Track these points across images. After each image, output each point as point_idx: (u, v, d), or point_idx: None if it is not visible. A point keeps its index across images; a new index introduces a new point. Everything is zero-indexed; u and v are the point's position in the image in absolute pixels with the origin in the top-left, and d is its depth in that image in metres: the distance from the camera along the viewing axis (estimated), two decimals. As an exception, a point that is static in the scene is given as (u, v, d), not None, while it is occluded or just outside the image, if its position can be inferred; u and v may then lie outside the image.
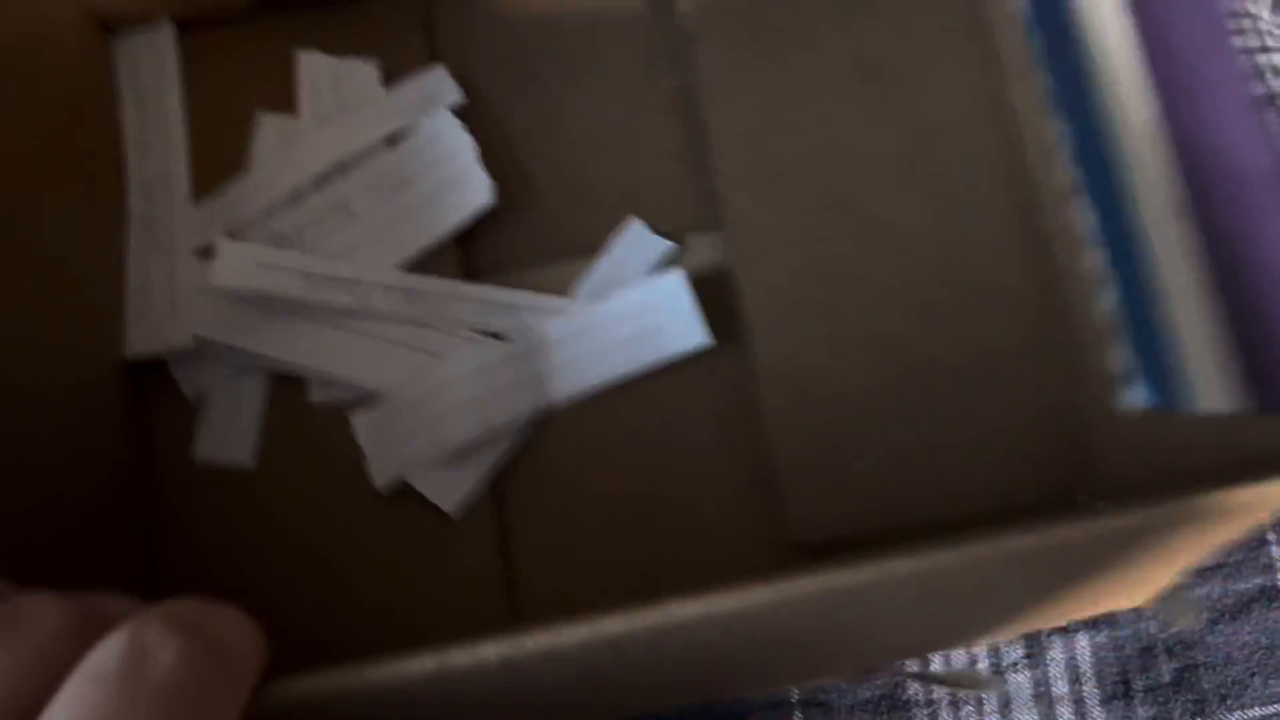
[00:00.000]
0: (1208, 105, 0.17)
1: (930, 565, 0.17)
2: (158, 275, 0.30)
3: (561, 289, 0.31)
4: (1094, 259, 0.14)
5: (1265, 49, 0.37)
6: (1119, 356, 0.13)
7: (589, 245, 0.32)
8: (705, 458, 0.30)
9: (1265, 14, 0.36)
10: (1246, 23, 0.36)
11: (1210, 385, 0.14)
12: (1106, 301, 0.13)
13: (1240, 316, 0.15)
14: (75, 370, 0.28)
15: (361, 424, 0.30)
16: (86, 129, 0.30)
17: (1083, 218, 0.14)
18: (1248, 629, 0.33)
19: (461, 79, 0.32)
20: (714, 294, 0.31)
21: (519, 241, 0.32)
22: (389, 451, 0.29)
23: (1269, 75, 0.36)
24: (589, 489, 0.30)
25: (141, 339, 0.30)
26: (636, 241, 0.32)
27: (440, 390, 0.29)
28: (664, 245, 0.32)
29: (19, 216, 0.27)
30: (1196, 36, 0.19)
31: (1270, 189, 0.16)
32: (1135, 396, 0.13)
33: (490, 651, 0.17)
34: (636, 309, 0.30)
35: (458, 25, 0.33)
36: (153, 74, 0.32)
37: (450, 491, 0.29)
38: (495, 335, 0.30)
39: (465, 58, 0.33)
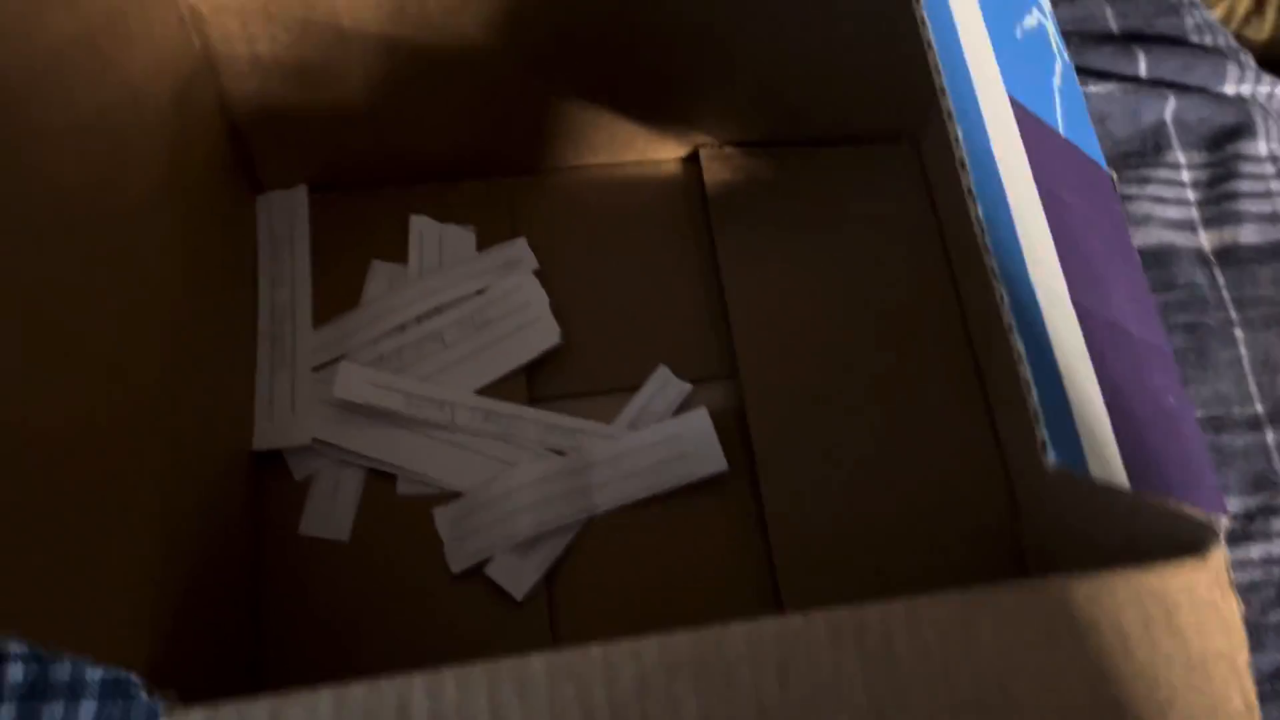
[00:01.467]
0: (1101, 280, 0.26)
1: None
2: (281, 384, 0.37)
3: (602, 417, 0.39)
4: (1025, 375, 0.22)
5: None
6: (1041, 432, 0.21)
7: (626, 384, 0.39)
8: (718, 561, 0.37)
9: None
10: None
11: (1099, 461, 0.22)
12: (1031, 400, 0.21)
13: (1121, 421, 0.23)
14: (211, 455, 0.34)
15: (441, 516, 0.36)
16: (229, 265, 0.38)
17: (1017, 348, 0.22)
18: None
19: (534, 247, 0.40)
20: (725, 430, 0.38)
21: (571, 377, 0.39)
22: (463, 542, 0.36)
23: None
24: (624, 582, 0.36)
25: (268, 436, 0.36)
26: (663, 384, 0.39)
27: (509, 494, 0.36)
28: (685, 388, 0.39)
29: (174, 330, 0.33)
30: (1093, 238, 0.28)
31: (1141, 341, 0.25)
32: (1051, 458, 0.20)
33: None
34: (668, 438, 0.38)
35: (535, 208, 0.41)
36: (287, 224, 0.40)
37: (519, 580, 0.35)
38: (555, 451, 0.37)
39: (539, 231, 0.41)
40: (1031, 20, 0.31)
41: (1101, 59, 0.45)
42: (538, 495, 0.36)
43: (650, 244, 0.42)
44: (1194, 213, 0.43)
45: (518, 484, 0.36)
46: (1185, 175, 0.44)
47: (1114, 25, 0.47)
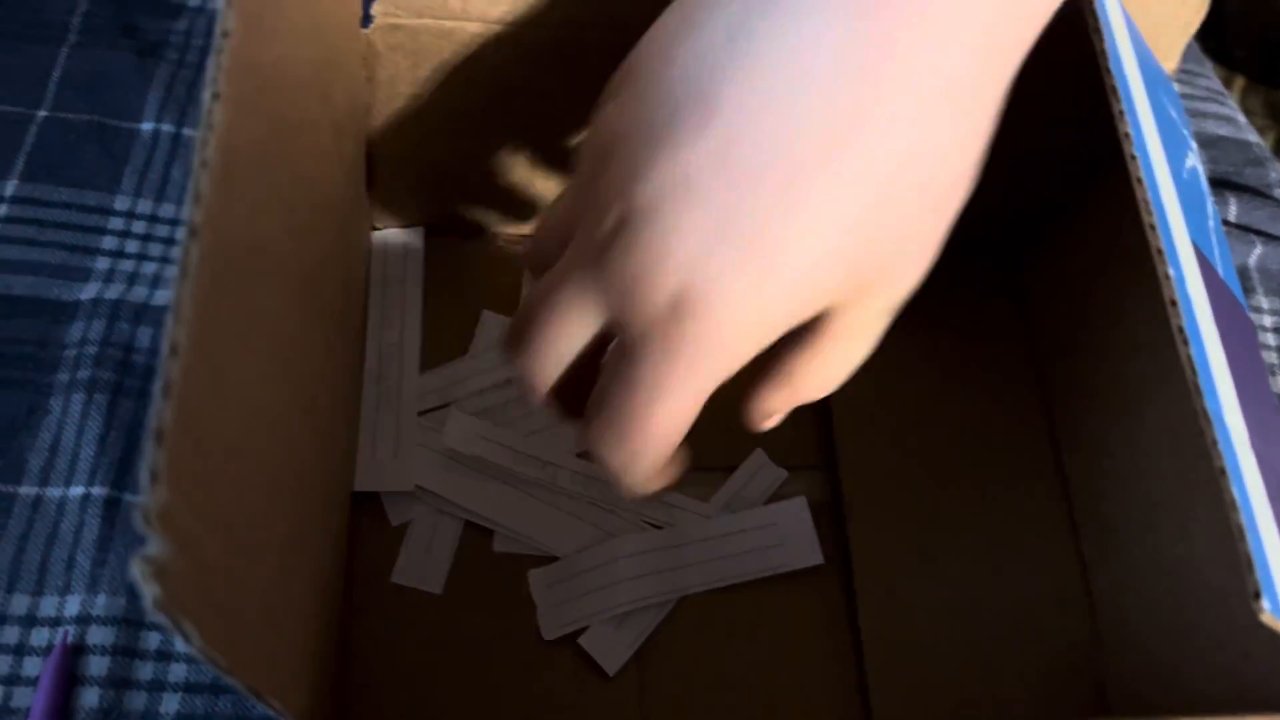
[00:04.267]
0: (1264, 425, 0.27)
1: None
2: (385, 426, 0.36)
3: (697, 496, 0.38)
4: (1238, 522, 0.22)
5: None
6: (1254, 581, 0.21)
7: (721, 464, 0.39)
8: (806, 653, 0.36)
9: None
10: None
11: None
12: (1244, 547, 0.21)
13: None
14: (317, 493, 0.33)
15: (537, 579, 0.35)
16: (343, 303, 0.37)
17: (1231, 494, 0.22)
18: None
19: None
20: (817, 522, 0.38)
21: (669, 451, 0.39)
22: (558, 609, 0.35)
23: None
24: (713, 664, 0.36)
25: (370, 478, 0.35)
26: (758, 468, 0.39)
27: (607, 565, 0.36)
28: (780, 474, 0.39)
29: (289, 364, 0.33)
30: (1255, 383, 0.28)
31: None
32: (1266, 609, 0.21)
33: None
34: (766, 525, 0.38)
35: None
36: (400, 264, 0.39)
37: (612, 654, 0.35)
38: (650, 524, 0.37)
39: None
40: (1190, 161, 0.32)
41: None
42: (635, 569, 0.36)
43: (755, 326, 0.42)
44: (1274, 357, 0.45)
45: (616, 555, 0.36)
46: (1267, 320, 0.45)
47: (1205, 169, 0.49)
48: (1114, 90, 0.27)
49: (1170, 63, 0.35)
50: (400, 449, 0.36)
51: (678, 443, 0.25)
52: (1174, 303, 0.24)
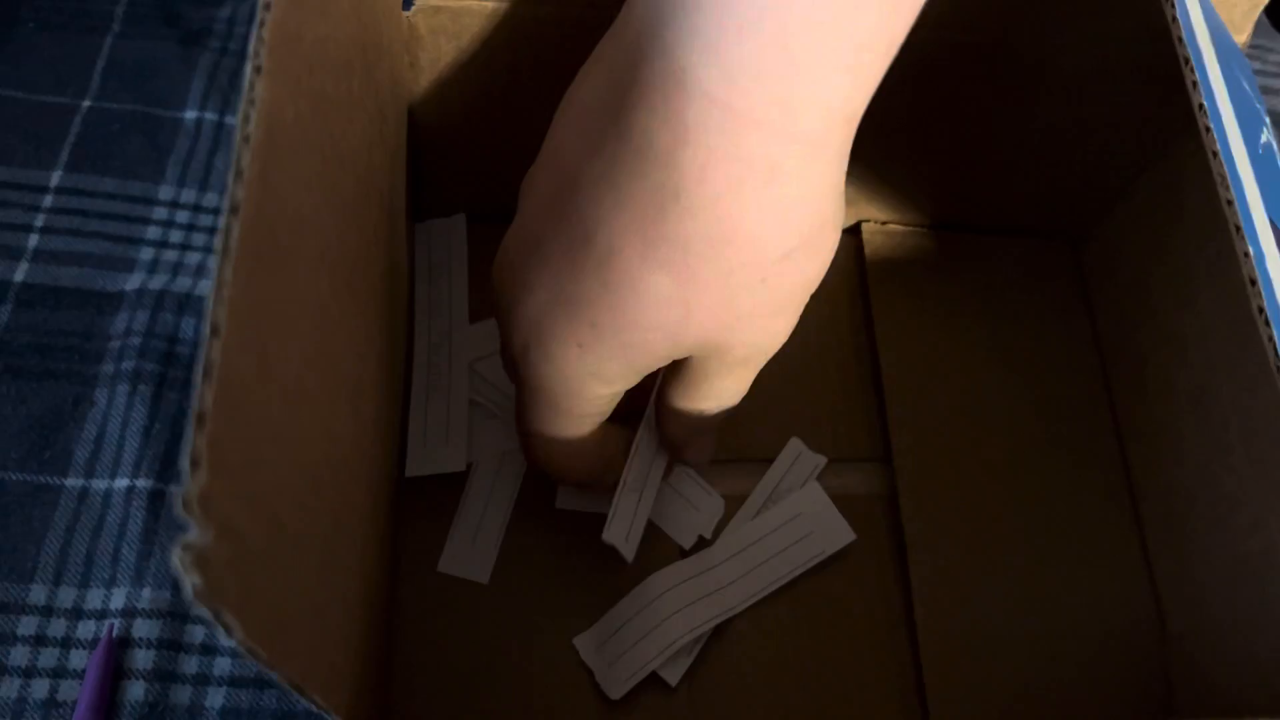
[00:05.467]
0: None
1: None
2: (435, 412, 0.36)
3: (739, 487, 0.37)
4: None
5: None
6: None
7: (766, 454, 0.38)
8: (861, 651, 0.35)
9: None
10: None
11: None
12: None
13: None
14: (362, 483, 0.33)
15: (585, 645, 0.34)
16: (388, 290, 0.37)
17: None
18: None
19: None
20: (872, 516, 0.37)
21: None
22: (614, 668, 0.34)
23: None
24: (766, 664, 0.35)
25: (421, 462, 0.35)
26: (796, 456, 0.38)
27: (650, 607, 0.34)
28: (819, 460, 0.38)
29: (333, 349, 0.32)
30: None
31: None
32: None
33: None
34: (789, 519, 0.36)
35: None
36: (445, 252, 0.39)
37: (673, 668, 0.34)
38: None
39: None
40: (1265, 137, 0.31)
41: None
42: (677, 602, 0.34)
43: (807, 313, 0.41)
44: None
45: (654, 595, 0.35)
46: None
47: None
48: (1186, 61, 0.26)
49: (1241, 35, 0.34)
50: (451, 436, 0.35)
51: (582, 453, 0.30)
52: (1253, 281, 0.23)
